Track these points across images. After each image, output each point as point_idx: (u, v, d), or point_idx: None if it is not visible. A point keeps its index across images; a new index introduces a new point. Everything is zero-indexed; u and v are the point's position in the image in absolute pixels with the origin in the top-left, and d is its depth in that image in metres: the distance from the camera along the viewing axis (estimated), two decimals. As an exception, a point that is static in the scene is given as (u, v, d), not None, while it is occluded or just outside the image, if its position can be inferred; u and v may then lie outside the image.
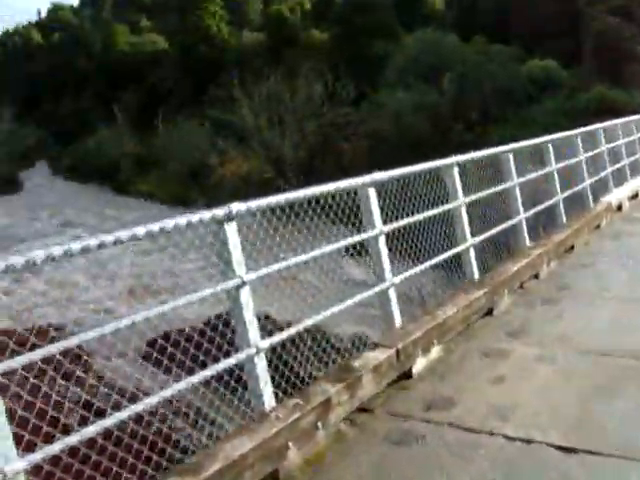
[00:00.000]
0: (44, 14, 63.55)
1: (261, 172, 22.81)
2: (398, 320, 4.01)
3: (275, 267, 3.40)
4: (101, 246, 2.61)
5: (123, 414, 2.72)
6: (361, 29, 28.83)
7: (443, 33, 27.49)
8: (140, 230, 2.86)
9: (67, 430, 2.76)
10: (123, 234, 2.78)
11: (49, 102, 49.27)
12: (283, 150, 22.33)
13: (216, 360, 3.10)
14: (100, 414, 2.94)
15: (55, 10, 59.49)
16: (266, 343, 3.17)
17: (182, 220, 3.02)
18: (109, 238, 2.71)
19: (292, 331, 3.44)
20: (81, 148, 36.91)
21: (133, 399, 7.29)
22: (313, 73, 23.01)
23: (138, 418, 2.92)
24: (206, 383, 3.14)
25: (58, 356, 2.60)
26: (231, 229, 3.17)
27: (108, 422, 2.65)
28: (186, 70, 37.11)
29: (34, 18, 65.82)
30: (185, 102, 35.08)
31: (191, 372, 3.20)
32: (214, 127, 28.28)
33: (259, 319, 5.91)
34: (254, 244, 3.45)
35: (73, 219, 23.32)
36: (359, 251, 4.30)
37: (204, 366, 3.11)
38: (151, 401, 2.81)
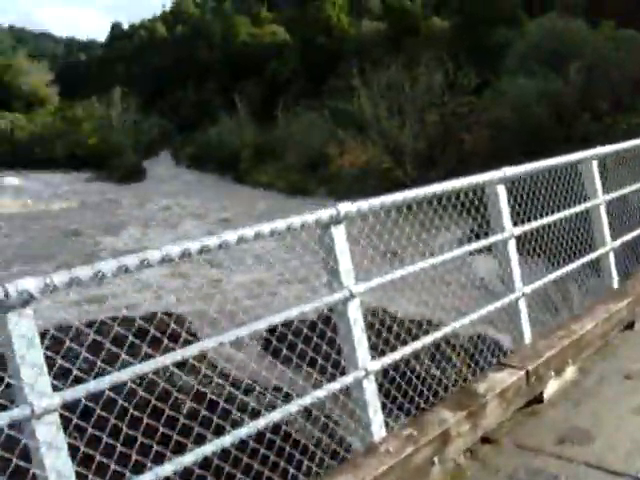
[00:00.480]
0: (168, 7, 65.23)
1: (380, 162, 22.38)
2: (528, 336, 3.53)
3: (388, 277, 2.99)
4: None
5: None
6: (482, 17, 28.01)
7: (568, 19, 26.32)
8: (248, 232, 2.51)
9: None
10: (247, 232, 2.55)
11: (173, 93, 50.45)
12: (402, 140, 21.83)
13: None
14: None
15: (179, 3, 60.81)
16: (377, 364, 2.77)
17: (281, 224, 2.65)
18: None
19: (409, 349, 3.02)
20: (203, 138, 37.51)
21: (249, 391, 7.03)
22: (433, 62, 22.38)
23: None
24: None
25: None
26: (339, 233, 2.79)
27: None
28: (306, 60, 37.10)
29: (159, 12, 67.57)
30: (304, 92, 35.06)
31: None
32: (333, 117, 28.10)
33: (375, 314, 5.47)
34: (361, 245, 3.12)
35: (193, 209, 23.50)
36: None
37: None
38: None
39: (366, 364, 2.71)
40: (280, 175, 28.09)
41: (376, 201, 3.01)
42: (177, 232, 19.71)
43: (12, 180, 35.40)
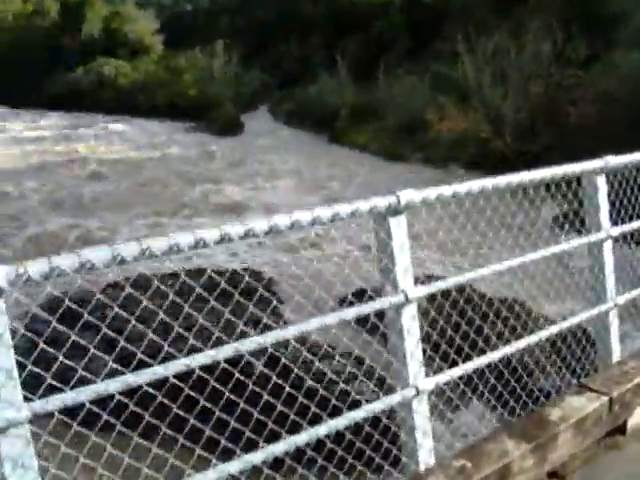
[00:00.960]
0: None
1: (479, 131, 21.62)
2: (617, 355, 3.09)
3: (457, 279, 2.60)
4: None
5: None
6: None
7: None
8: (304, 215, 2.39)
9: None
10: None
11: (275, 47, 50.21)
12: (503, 110, 21.00)
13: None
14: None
15: (287, -44, 60.20)
16: (430, 383, 2.40)
17: (326, 212, 2.30)
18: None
19: (471, 365, 2.63)
20: (302, 95, 37.21)
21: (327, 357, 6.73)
22: (542, 30, 21.38)
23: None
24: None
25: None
26: (398, 226, 2.42)
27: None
28: (411, 21, 36.17)
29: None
30: (407, 55, 34.30)
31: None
32: (434, 82, 27.40)
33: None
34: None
35: (287, 167, 23.37)
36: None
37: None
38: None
39: (417, 382, 2.32)
40: (376, 137, 27.61)
41: (447, 190, 2.61)
42: (272, 190, 19.59)
43: (117, 126, 35.99)
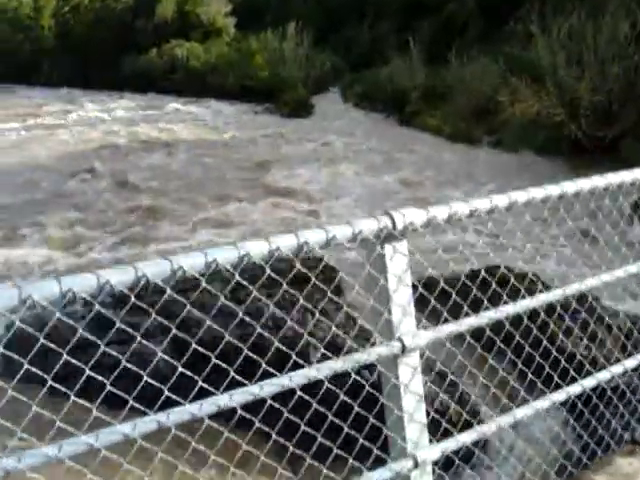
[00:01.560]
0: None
1: (553, 114, 21.12)
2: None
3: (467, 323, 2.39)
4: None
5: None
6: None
7: None
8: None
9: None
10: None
11: (348, 30, 50.02)
12: (579, 93, 20.46)
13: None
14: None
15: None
16: (434, 452, 2.16)
17: (290, 241, 2.12)
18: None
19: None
20: (372, 77, 36.98)
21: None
22: (620, 11, 20.75)
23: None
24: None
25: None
26: (394, 253, 2.13)
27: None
28: (484, 3, 35.51)
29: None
30: (480, 37, 33.75)
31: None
32: (508, 63, 26.88)
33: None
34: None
35: (348, 149, 23.23)
36: None
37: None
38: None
39: (417, 450, 2.07)
40: (447, 120, 27.31)
41: (463, 207, 2.32)
42: (340, 175, 19.53)
43: (188, 108, 36.44)
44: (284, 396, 2.56)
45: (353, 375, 2.45)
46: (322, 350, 8.09)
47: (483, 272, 4.01)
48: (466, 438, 2.14)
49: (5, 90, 55.81)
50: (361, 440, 2.44)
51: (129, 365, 2.60)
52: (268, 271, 2.42)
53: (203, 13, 49.80)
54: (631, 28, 20.38)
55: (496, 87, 25.94)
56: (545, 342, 7.97)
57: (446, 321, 2.32)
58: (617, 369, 2.30)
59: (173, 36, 48.38)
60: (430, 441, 2.14)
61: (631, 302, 10.04)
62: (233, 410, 2.15)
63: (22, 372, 2.18)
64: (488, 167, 20.47)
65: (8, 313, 1.88)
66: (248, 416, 2.37)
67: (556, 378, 3.12)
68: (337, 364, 2.05)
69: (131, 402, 2.08)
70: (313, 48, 44.36)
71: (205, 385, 2.30)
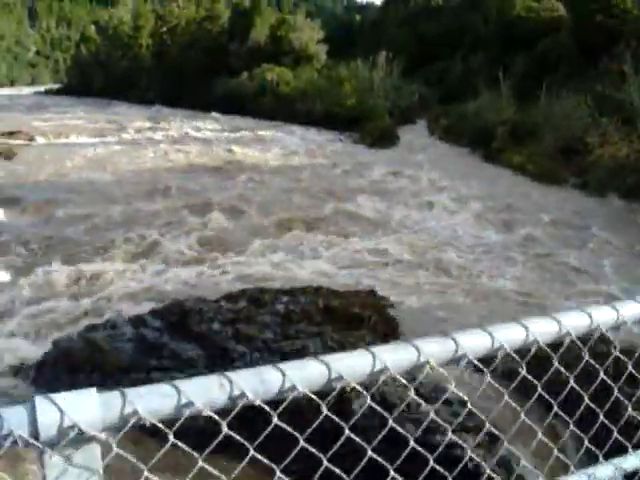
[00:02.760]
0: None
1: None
2: None
3: None
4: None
5: None
6: None
7: None
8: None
9: None
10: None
11: (440, 62, 49.79)
12: (671, 138, 19.59)
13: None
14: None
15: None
16: None
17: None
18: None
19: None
20: (460, 110, 36.54)
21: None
22: None
23: None
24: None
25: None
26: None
27: None
28: (580, 40, 34.68)
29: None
30: (573, 74, 32.91)
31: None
32: (598, 103, 26.10)
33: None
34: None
35: (424, 184, 22.80)
36: None
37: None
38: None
39: None
40: (532, 159, 26.58)
41: None
42: (416, 209, 19.10)
43: (273, 133, 36.61)
44: None
45: None
46: None
47: None
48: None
49: (101, 104, 57.55)
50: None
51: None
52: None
53: (295, 39, 50.30)
54: None
55: (585, 127, 25.16)
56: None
57: None
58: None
59: (265, 60, 48.99)
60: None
61: None
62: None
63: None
64: (566, 210, 19.75)
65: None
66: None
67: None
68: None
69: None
70: (403, 78, 44.19)
71: None
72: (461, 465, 7.18)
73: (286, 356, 8.45)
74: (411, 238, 15.75)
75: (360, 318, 9.18)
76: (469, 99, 37.05)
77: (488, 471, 6.94)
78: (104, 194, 20.12)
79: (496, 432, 7.43)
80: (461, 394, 7.04)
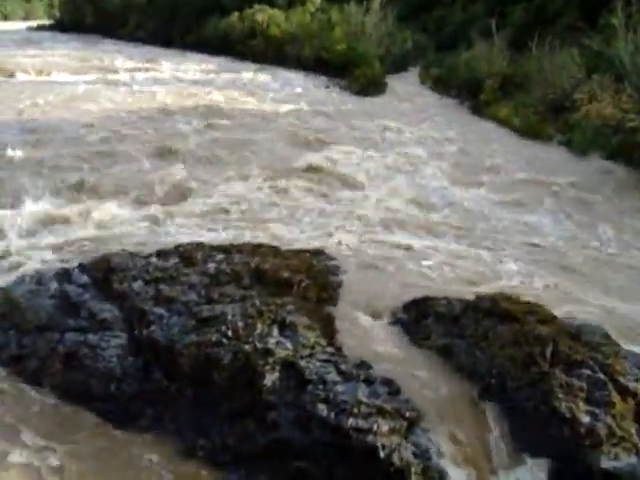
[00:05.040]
0: None
1: (628, 119, 19.44)
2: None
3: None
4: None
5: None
6: None
7: None
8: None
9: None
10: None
11: (437, 11, 48.60)
12: (659, 98, 18.75)
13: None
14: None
15: None
16: None
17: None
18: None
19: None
20: (451, 60, 35.50)
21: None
22: None
23: None
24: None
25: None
26: None
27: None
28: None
29: None
30: (571, 28, 31.76)
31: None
32: (591, 59, 25.20)
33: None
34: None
35: (402, 134, 21.99)
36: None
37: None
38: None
39: None
40: (519, 113, 25.77)
41: None
42: (379, 162, 18.34)
43: (259, 76, 35.62)
44: None
45: None
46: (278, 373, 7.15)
47: None
48: None
49: (91, 42, 56.32)
50: None
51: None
52: None
53: (289, -20, 48.84)
54: None
55: (576, 83, 24.28)
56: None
57: None
58: None
59: (258, 1, 47.65)
60: None
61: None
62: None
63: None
64: (544, 167, 19.05)
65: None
66: None
67: None
68: None
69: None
70: (398, 25, 43.00)
71: None
72: (373, 452, 6.46)
73: (202, 322, 7.85)
74: (378, 193, 15.05)
75: (289, 283, 8.53)
76: (462, 49, 36.04)
77: (398, 462, 6.38)
78: (68, 136, 19.35)
79: (415, 417, 6.87)
80: (387, 373, 6.35)
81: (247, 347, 7.29)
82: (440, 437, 6.79)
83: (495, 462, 6.74)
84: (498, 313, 7.67)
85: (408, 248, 11.38)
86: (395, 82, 35.32)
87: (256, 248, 9.92)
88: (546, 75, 26.26)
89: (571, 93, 24.09)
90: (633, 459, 6.46)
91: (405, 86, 34.85)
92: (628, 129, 19.35)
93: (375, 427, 6.53)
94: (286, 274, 8.65)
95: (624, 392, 6.98)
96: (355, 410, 6.68)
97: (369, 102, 29.50)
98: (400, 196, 15.00)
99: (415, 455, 6.49)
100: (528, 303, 8.02)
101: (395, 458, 6.40)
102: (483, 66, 30.88)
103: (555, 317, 7.92)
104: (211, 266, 9.15)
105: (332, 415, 6.67)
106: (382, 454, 6.40)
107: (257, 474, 6.83)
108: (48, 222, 12.44)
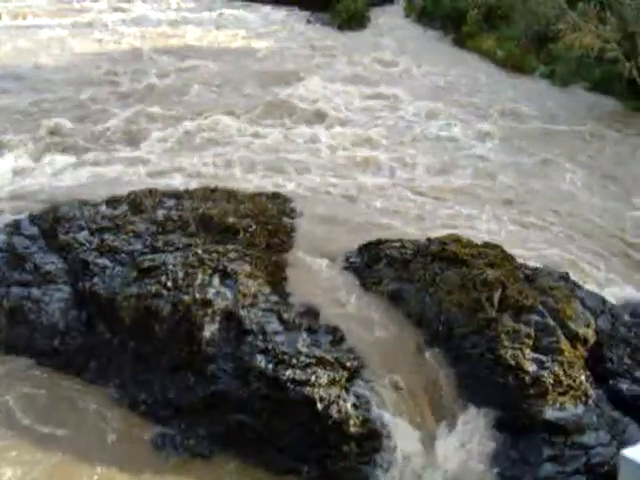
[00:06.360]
0: None
1: (609, 49, 18.91)
2: None
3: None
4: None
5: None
6: None
7: None
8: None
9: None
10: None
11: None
12: (639, 26, 18.18)
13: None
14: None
15: None
16: None
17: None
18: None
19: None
20: (436, -11, 34.41)
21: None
22: None
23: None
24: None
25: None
26: None
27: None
28: None
29: None
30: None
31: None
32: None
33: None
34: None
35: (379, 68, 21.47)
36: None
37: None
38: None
39: None
40: (503, 45, 25.11)
41: None
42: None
43: (238, 12, 34.62)
44: None
45: None
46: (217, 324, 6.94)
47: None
48: None
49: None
50: None
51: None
52: None
53: None
54: None
55: (560, 13, 23.57)
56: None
57: None
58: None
59: None
60: None
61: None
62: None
63: None
64: (525, 99, 18.62)
65: None
66: None
67: None
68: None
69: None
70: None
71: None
72: (310, 404, 6.21)
73: (144, 272, 7.61)
74: (346, 131, 14.68)
75: (236, 229, 8.26)
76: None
77: (336, 414, 6.18)
78: (36, 81, 18.88)
79: (357, 366, 6.66)
80: (333, 321, 6.07)
81: (186, 298, 7.08)
82: (383, 387, 6.61)
83: (439, 411, 6.58)
84: (446, 257, 7.42)
85: (371, 186, 11.10)
86: (379, 15, 34.44)
87: (210, 193, 9.62)
88: (530, 5, 25.50)
89: (555, 23, 23.41)
90: (579, 409, 6.28)
91: (389, 19, 33.97)
92: (609, 59, 18.85)
93: (313, 378, 6.35)
94: (232, 219, 8.37)
95: (574, 338, 6.78)
96: (294, 361, 6.49)
97: (349, 37, 28.77)
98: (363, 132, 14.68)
99: (355, 406, 6.32)
100: (478, 245, 7.76)
101: (333, 410, 6.23)
102: (470, -4, 29.97)
103: (507, 259, 7.66)
104: (160, 213, 8.87)
105: (270, 367, 6.49)
106: (320, 406, 6.22)
107: (196, 427, 6.69)
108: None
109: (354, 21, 31.15)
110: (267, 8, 35.88)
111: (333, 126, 15.03)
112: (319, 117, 15.64)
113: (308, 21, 32.48)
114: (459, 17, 29.04)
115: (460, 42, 27.44)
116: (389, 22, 33.02)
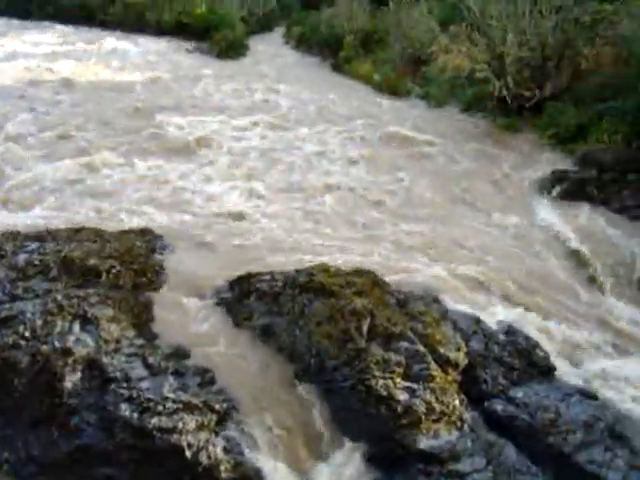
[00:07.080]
0: None
1: (479, 70, 19.38)
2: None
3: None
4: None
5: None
6: None
7: None
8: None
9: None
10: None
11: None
12: (506, 47, 18.70)
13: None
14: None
15: None
16: None
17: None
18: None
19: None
20: (314, 18, 34.87)
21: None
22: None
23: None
24: None
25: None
26: None
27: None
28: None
29: None
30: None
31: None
32: (447, 10, 25.17)
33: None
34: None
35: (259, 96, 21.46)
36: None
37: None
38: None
39: None
40: (379, 69, 25.50)
41: None
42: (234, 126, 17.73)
43: (118, 44, 34.10)
44: None
45: None
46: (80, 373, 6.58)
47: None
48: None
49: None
50: None
51: None
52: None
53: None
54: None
55: (432, 36, 24.12)
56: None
57: None
58: None
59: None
60: None
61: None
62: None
63: None
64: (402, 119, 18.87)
65: None
66: None
67: None
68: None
69: None
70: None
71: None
72: (179, 452, 5.85)
73: (1, 323, 7.17)
74: (219, 165, 14.47)
75: (98, 271, 7.91)
76: (327, 6, 35.38)
77: (206, 460, 5.91)
78: None
79: (227, 409, 6.41)
80: (203, 361, 5.74)
81: (45, 347, 6.69)
82: (256, 428, 6.40)
83: (314, 448, 6.40)
84: (314, 287, 7.29)
85: (241, 218, 10.92)
86: (258, 43, 34.59)
87: (74, 233, 9.23)
88: (404, 30, 26.03)
89: (429, 46, 23.92)
90: (454, 435, 6.22)
91: (268, 46, 34.14)
92: (481, 79, 19.33)
93: (181, 425, 6.08)
94: (95, 261, 8.02)
95: (445, 363, 6.74)
96: (160, 408, 6.21)
97: (227, 65, 28.69)
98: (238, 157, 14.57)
99: (226, 451, 6.08)
100: (347, 274, 7.67)
101: (203, 456, 5.98)
102: (344, 23, 30.40)
103: (378, 285, 7.59)
104: (21, 258, 8.43)
105: (135, 415, 6.18)
106: (188, 453, 5.96)
107: (62, 484, 6.31)
108: None
109: (233, 49, 31.15)
110: (145, 40, 35.50)
111: (203, 157, 14.82)
112: (188, 149, 15.38)
113: (187, 50, 32.25)
114: (336, 42, 29.43)
115: (338, 67, 27.74)
116: (269, 49, 33.16)
